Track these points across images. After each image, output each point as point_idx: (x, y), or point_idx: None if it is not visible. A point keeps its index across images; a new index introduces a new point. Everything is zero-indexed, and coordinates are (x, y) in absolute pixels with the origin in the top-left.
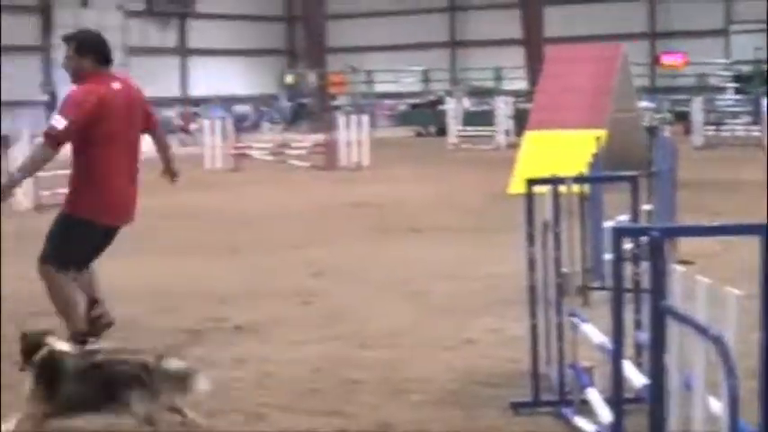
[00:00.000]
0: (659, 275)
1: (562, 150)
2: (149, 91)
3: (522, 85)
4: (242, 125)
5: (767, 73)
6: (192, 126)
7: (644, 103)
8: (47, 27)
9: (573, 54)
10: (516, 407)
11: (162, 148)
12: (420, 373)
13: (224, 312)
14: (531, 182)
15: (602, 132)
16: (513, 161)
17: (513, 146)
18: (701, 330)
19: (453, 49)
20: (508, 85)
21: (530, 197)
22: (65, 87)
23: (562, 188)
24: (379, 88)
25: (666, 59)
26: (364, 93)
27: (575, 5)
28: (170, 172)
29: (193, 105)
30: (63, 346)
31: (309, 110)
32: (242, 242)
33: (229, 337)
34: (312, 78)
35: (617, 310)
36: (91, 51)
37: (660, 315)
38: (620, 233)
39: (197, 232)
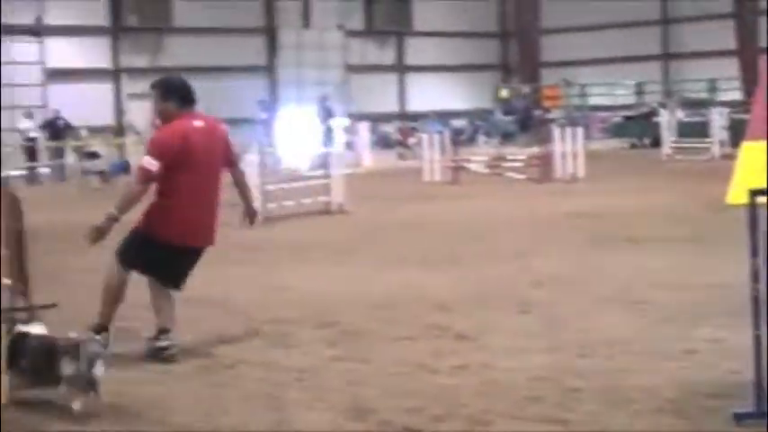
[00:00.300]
0: None
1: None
2: (369, 107)
3: (736, 95)
4: (458, 139)
5: None
6: (411, 140)
7: None
8: (271, 47)
9: None
10: (739, 418)
11: (240, 186)
12: (641, 383)
13: (445, 320)
14: (755, 192)
15: None
16: (728, 172)
17: (728, 157)
18: None
19: (666, 61)
20: (722, 96)
21: (753, 208)
22: (284, 107)
23: None
24: (593, 101)
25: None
26: (578, 106)
27: None
28: (249, 213)
29: (411, 120)
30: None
31: (524, 123)
32: (461, 252)
33: (450, 345)
34: (526, 92)
35: None
36: (174, 95)
37: None
38: None
39: (417, 243)
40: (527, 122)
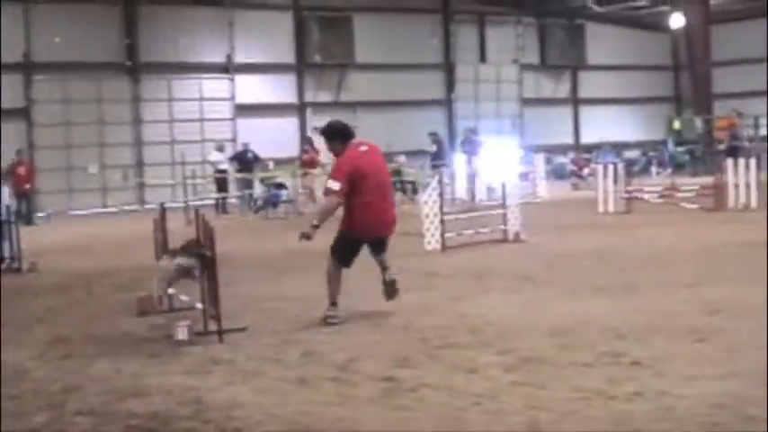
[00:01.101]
0: None
1: None
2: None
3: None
4: (631, 169)
5: None
6: (585, 171)
7: None
8: (450, 82)
9: None
10: None
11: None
12: None
13: (621, 348)
14: None
15: None
16: None
17: None
18: None
19: None
20: None
21: None
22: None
23: None
24: (765, 132)
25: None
26: (751, 136)
27: None
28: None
29: (585, 151)
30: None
31: (697, 154)
32: (637, 281)
33: (626, 372)
34: (699, 124)
35: None
36: (336, 136)
37: None
38: None
39: (592, 271)
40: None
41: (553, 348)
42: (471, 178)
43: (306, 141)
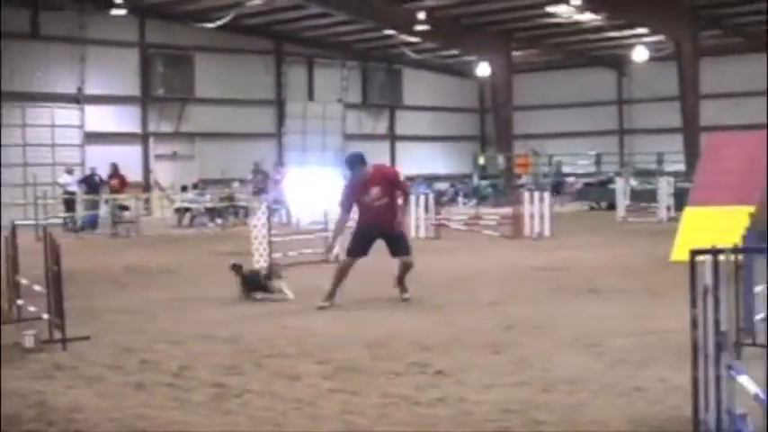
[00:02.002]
0: None
1: (718, 224)
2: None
3: (680, 167)
4: (441, 200)
5: None
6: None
7: None
8: (281, 117)
9: (728, 140)
10: None
11: (404, 200)
12: (597, 416)
13: (427, 359)
14: (695, 252)
15: (755, 208)
16: (673, 233)
17: (674, 220)
18: None
19: (621, 136)
20: (669, 167)
21: (693, 265)
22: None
23: (721, 257)
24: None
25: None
26: (545, 173)
27: (727, 98)
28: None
29: None
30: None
31: (499, 187)
32: (442, 299)
33: (431, 380)
34: (501, 160)
35: None
36: (352, 163)
37: None
38: None
39: None
40: (491, 187)
41: (367, 359)
42: (278, 205)
43: (112, 167)
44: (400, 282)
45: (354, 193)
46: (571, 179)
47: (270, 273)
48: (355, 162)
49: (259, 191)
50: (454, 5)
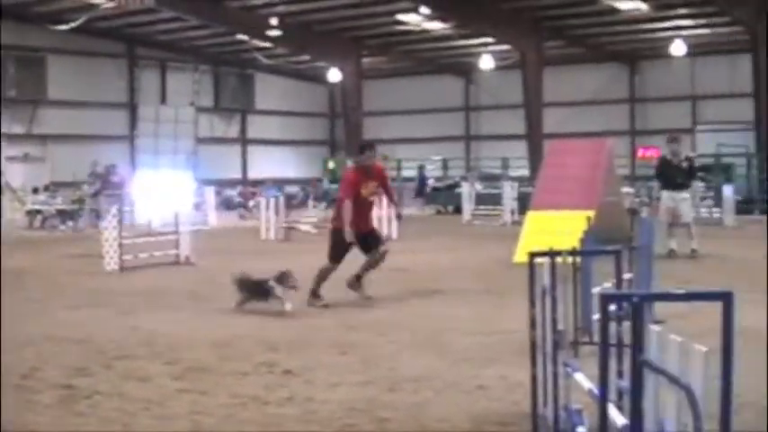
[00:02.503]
0: (638, 334)
1: (558, 227)
2: (215, 174)
3: (524, 172)
4: (291, 203)
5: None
6: (251, 203)
7: (626, 189)
8: (133, 120)
9: (569, 147)
10: None
11: (389, 199)
12: (441, 414)
13: (276, 359)
14: (533, 254)
15: (592, 213)
16: (517, 236)
17: (517, 223)
18: (674, 380)
19: (468, 142)
20: (513, 172)
21: (532, 267)
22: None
23: (559, 259)
24: (407, 173)
25: (644, 153)
26: (394, 177)
27: (569, 107)
28: (396, 214)
29: (252, 186)
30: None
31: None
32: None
33: (279, 380)
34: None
35: (603, 362)
36: (363, 148)
37: (639, 367)
38: (606, 299)
39: None
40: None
41: (216, 359)
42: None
43: None
44: (358, 279)
45: (358, 183)
46: (430, 182)
47: (281, 279)
48: (365, 148)
49: (96, 193)
50: (306, 12)
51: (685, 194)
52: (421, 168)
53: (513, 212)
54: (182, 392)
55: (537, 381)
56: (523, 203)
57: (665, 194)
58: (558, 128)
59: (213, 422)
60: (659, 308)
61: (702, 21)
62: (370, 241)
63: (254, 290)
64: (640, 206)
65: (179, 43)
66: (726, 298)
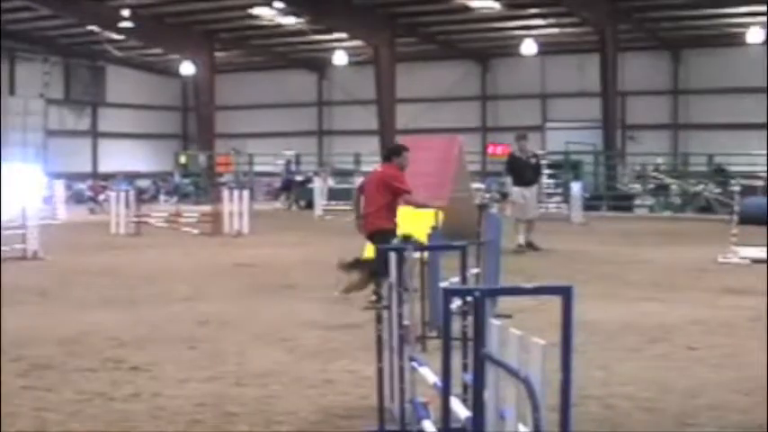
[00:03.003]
0: (480, 328)
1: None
2: (65, 167)
3: (376, 167)
4: (142, 197)
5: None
6: (101, 197)
7: (476, 185)
8: None
9: (420, 143)
10: None
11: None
12: (288, 408)
13: (123, 355)
14: (380, 249)
15: (442, 209)
16: None
17: None
18: (513, 373)
19: (320, 137)
20: (365, 168)
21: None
22: None
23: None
24: (259, 168)
25: (494, 149)
26: (246, 172)
27: (422, 103)
28: None
29: (102, 179)
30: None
31: (199, 185)
32: (140, 296)
33: (126, 376)
34: (202, 159)
35: (446, 356)
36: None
37: (480, 360)
38: (449, 293)
39: (103, 287)
40: (192, 184)
41: (62, 355)
42: None
43: None
44: None
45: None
46: (299, 177)
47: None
48: (392, 151)
49: None
50: (158, 4)
51: (533, 190)
52: (288, 163)
53: None
54: (26, 389)
55: (383, 375)
56: None
57: (516, 190)
58: (410, 124)
59: (59, 419)
60: (508, 302)
61: (552, 21)
62: None
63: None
64: (491, 202)
65: (28, 33)
66: (565, 292)
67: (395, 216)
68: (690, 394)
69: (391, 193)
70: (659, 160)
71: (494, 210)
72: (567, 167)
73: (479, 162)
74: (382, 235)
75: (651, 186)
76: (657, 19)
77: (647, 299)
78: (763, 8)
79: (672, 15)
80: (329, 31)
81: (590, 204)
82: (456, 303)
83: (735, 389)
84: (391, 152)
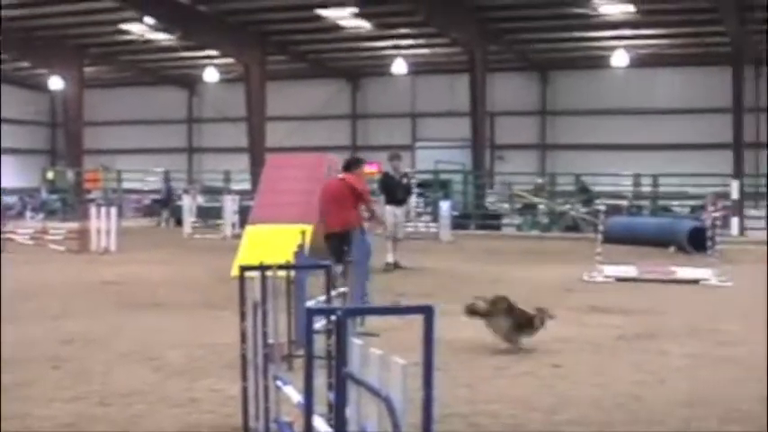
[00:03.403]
0: (342, 347)
1: (276, 241)
2: None
3: (246, 185)
4: (8, 213)
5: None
6: None
7: None
8: None
9: (289, 161)
10: None
11: (368, 211)
12: (152, 427)
13: None
14: (244, 268)
15: (309, 227)
16: (236, 249)
17: (238, 236)
18: (374, 392)
19: (190, 154)
20: (236, 186)
21: (242, 281)
22: None
23: (269, 273)
24: (128, 185)
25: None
26: (114, 188)
27: (293, 121)
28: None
29: None
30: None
31: (67, 201)
32: (5, 314)
33: None
34: (70, 175)
35: (308, 375)
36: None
37: (342, 379)
38: (311, 313)
39: None
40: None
41: None
42: None
43: None
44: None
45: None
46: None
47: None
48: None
49: None
50: (27, 17)
51: (403, 210)
52: (167, 180)
53: (234, 226)
54: None
55: (248, 394)
56: (244, 217)
57: (389, 209)
58: (281, 142)
59: None
60: (378, 321)
61: (423, 41)
62: None
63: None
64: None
65: None
66: (426, 311)
67: (359, 215)
68: (552, 411)
69: (355, 197)
70: (539, 180)
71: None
72: (436, 186)
73: None
74: (349, 231)
75: (518, 206)
76: (526, 41)
77: None
78: (627, 32)
79: (540, 38)
80: (200, 48)
81: (459, 223)
82: (322, 323)
83: (597, 405)
84: (350, 163)
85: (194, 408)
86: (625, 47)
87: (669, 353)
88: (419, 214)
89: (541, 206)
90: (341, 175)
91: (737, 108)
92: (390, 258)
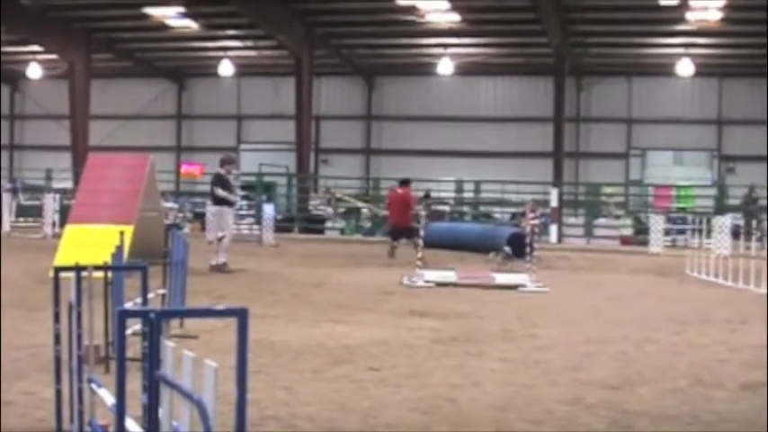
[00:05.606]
0: (155, 349)
1: (95, 242)
2: None
3: (69, 184)
4: None
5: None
6: None
7: (169, 204)
8: None
9: (110, 161)
10: None
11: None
12: None
13: None
14: (58, 269)
15: (129, 228)
16: (56, 249)
17: (59, 236)
18: (186, 395)
19: (11, 151)
20: (57, 184)
21: (57, 282)
22: None
23: (84, 274)
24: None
25: (187, 168)
26: None
27: (117, 120)
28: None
29: None
30: None
31: None
32: None
33: None
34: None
35: (120, 377)
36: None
37: (155, 382)
38: (124, 315)
39: None
40: None
41: None
42: None
43: None
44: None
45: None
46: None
47: None
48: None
49: None
50: None
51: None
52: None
53: (54, 225)
54: None
55: (62, 396)
56: (65, 216)
57: (228, 210)
58: (104, 141)
59: None
60: (197, 323)
61: (250, 43)
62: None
63: None
64: (183, 221)
65: None
66: (240, 314)
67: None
68: (369, 414)
69: (409, 207)
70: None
71: (186, 230)
72: (260, 189)
73: (173, 181)
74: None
75: (341, 210)
76: (353, 46)
77: (333, 320)
78: (453, 40)
79: (367, 43)
80: (23, 44)
81: (282, 226)
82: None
83: (413, 408)
84: (405, 181)
85: (8, 411)
86: (450, 55)
87: (484, 356)
88: (242, 217)
89: (365, 210)
90: (399, 189)
91: (558, 118)
92: (215, 260)
